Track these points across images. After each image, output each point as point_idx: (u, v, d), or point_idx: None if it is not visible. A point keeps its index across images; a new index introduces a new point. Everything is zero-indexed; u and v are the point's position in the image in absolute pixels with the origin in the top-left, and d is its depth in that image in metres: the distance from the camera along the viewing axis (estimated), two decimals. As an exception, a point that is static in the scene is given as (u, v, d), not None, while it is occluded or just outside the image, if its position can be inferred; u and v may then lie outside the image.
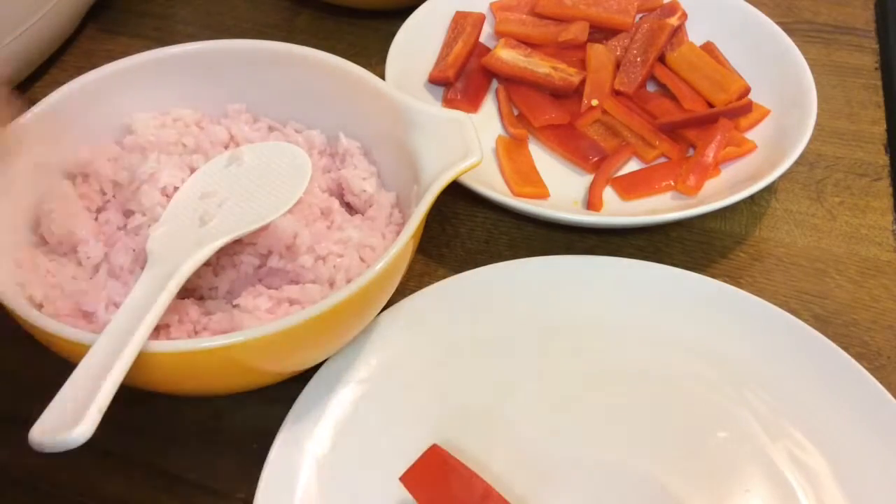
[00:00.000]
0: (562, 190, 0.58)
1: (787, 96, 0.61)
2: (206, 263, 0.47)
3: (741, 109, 0.60)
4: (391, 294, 0.47)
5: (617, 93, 0.63)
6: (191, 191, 0.47)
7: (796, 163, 0.55)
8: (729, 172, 0.58)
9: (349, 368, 0.47)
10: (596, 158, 0.59)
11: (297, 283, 0.45)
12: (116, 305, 0.44)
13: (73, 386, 0.34)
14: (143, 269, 0.46)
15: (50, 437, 0.32)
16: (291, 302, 0.44)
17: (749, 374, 0.48)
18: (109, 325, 0.38)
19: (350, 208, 0.51)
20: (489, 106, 0.65)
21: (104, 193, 0.49)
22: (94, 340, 0.37)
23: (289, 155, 0.48)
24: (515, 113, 0.63)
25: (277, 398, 0.45)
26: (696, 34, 0.67)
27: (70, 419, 0.32)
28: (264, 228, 0.44)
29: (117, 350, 0.36)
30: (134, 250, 0.47)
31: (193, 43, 0.52)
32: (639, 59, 0.64)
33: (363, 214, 0.50)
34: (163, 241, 0.44)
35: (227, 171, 0.48)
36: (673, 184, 0.58)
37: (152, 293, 0.40)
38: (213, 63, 0.52)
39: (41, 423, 0.32)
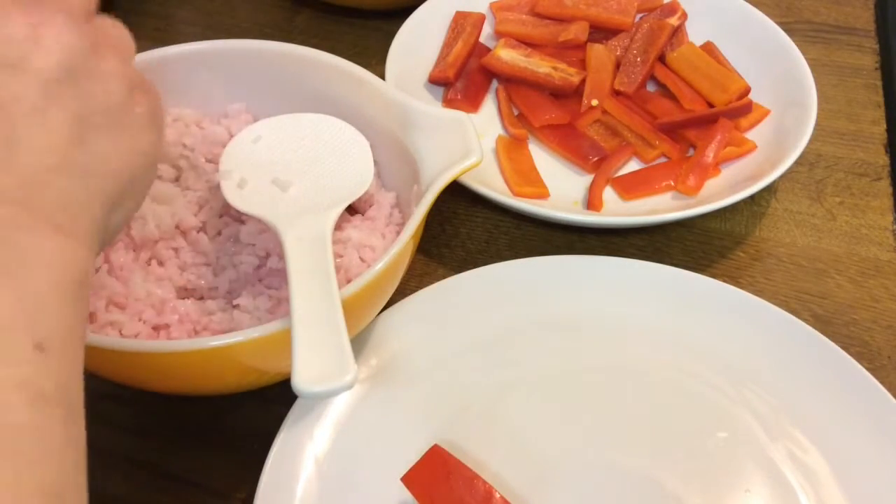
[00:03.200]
0: (562, 190, 0.58)
1: (787, 96, 0.61)
2: (206, 263, 0.47)
3: (741, 109, 0.60)
4: (391, 294, 0.47)
5: (617, 93, 0.63)
6: (246, 159, 0.48)
7: (796, 163, 0.55)
8: (729, 172, 0.58)
9: (349, 368, 0.47)
10: (596, 158, 0.59)
11: (297, 283, 0.45)
12: (117, 305, 0.44)
13: (307, 344, 0.37)
14: (142, 268, 0.46)
15: (324, 385, 0.36)
16: (292, 302, 0.44)
17: (749, 374, 0.48)
18: (295, 288, 0.39)
19: (350, 208, 0.51)
20: (489, 106, 0.65)
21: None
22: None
23: (313, 124, 0.50)
24: (515, 113, 0.63)
25: (277, 398, 0.45)
26: (696, 34, 0.67)
27: (337, 369, 0.36)
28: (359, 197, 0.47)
29: (326, 306, 0.38)
30: (134, 250, 0.47)
31: (193, 43, 0.52)
32: (639, 59, 0.64)
33: (363, 214, 0.50)
34: (274, 207, 0.45)
35: (255, 148, 0.49)
36: (673, 184, 0.58)
37: (315, 253, 0.41)
38: (213, 63, 0.52)
39: (300, 376, 0.36)
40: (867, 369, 0.46)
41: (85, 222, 0.29)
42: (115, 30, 0.33)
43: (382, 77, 0.54)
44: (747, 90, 0.62)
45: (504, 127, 0.63)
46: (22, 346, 0.24)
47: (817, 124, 0.57)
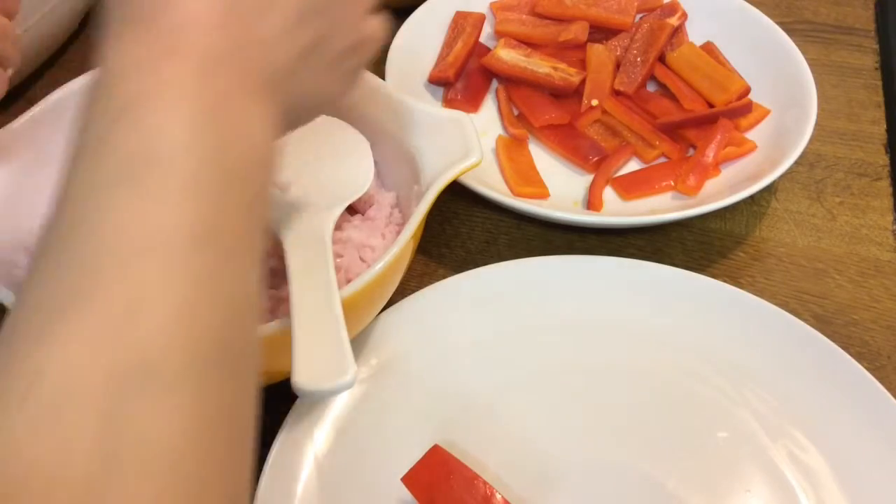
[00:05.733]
0: (562, 190, 0.58)
1: (787, 96, 0.61)
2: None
3: (741, 109, 0.60)
4: (391, 294, 0.47)
5: (617, 93, 0.63)
6: None
7: (796, 163, 0.55)
8: (729, 172, 0.58)
9: (349, 368, 0.47)
10: (596, 158, 0.59)
11: (297, 283, 0.45)
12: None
13: (307, 344, 0.37)
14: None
15: (324, 384, 0.36)
16: (291, 302, 0.44)
17: (749, 374, 0.48)
18: (296, 287, 0.39)
19: (350, 208, 0.51)
20: (489, 106, 0.65)
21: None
22: None
23: (314, 125, 0.50)
24: (515, 113, 0.63)
25: (277, 398, 0.45)
26: (696, 34, 0.67)
27: (337, 368, 0.36)
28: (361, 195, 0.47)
29: (325, 306, 0.38)
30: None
31: (193, 43, 0.52)
32: (639, 59, 0.64)
33: (363, 214, 0.50)
34: (274, 207, 0.44)
35: None
36: (673, 184, 0.58)
37: (315, 253, 0.41)
38: (213, 63, 0.52)
39: (300, 375, 0.36)
40: (867, 369, 0.46)
41: (278, 121, 0.32)
42: None
43: (382, 77, 0.54)
44: (747, 90, 0.62)
45: (504, 127, 0.63)
46: (240, 193, 0.28)
47: (817, 124, 0.57)
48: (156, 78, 0.27)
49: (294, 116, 0.34)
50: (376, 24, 0.36)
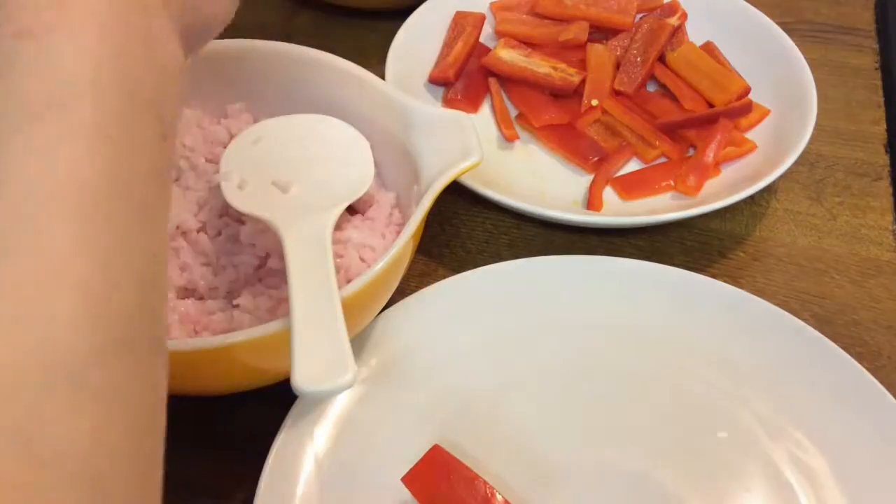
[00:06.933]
0: (562, 190, 0.58)
1: (787, 96, 0.61)
2: (206, 263, 0.47)
3: (741, 109, 0.60)
4: (391, 294, 0.47)
5: (617, 93, 0.63)
6: (246, 160, 0.48)
7: (796, 163, 0.55)
8: (729, 172, 0.58)
9: (349, 368, 0.47)
10: (596, 158, 0.59)
11: (297, 283, 0.45)
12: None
13: (307, 344, 0.37)
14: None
15: (324, 384, 0.36)
16: (291, 302, 0.44)
17: (749, 374, 0.48)
18: (295, 287, 0.39)
19: (350, 208, 0.51)
20: (489, 106, 0.64)
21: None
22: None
23: (313, 124, 0.50)
24: (514, 113, 0.63)
25: (277, 398, 0.45)
26: (696, 34, 0.67)
27: (336, 368, 0.36)
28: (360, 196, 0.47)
29: (325, 306, 0.38)
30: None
31: (193, 43, 0.52)
32: (639, 59, 0.64)
33: (363, 214, 0.50)
34: (274, 207, 0.45)
35: (255, 149, 0.49)
36: (673, 184, 0.58)
37: (315, 253, 0.41)
38: (213, 63, 0.52)
39: (300, 375, 0.36)
40: (867, 369, 0.46)
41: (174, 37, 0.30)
42: None
43: (382, 77, 0.54)
44: (747, 90, 0.62)
45: (497, 125, 0.63)
46: (154, 133, 0.27)
47: (817, 124, 0.57)
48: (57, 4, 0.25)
49: (190, 33, 0.32)
50: None
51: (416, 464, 0.42)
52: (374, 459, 0.44)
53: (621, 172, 0.60)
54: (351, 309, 0.39)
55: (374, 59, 0.63)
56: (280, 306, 0.44)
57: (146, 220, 0.26)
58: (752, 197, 0.55)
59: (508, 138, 0.61)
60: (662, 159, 0.60)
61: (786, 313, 0.49)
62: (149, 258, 0.26)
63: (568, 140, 0.61)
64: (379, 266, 0.41)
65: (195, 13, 0.32)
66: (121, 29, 0.26)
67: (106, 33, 0.26)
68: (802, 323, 0.49)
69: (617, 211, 0.57)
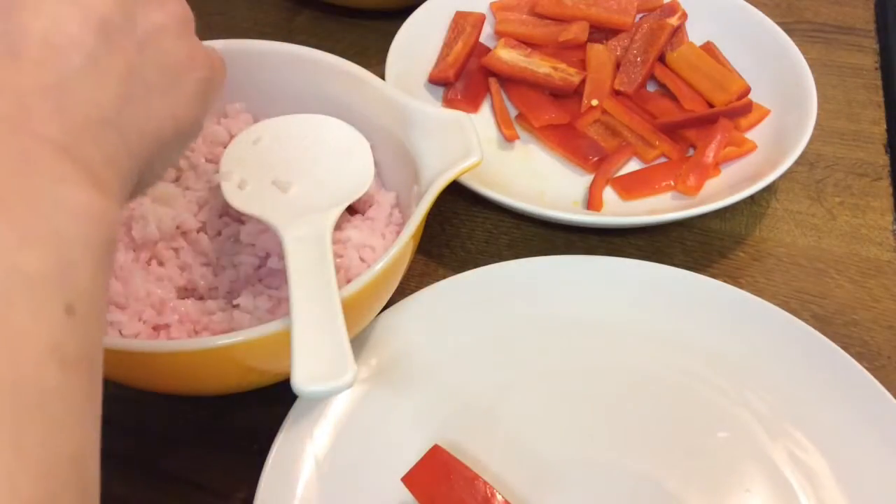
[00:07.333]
0: (562, 190, 0.58)
1: (787, 96, 0.61)
2: (206, 263, 0.47)
3: (741, 109, 0.60)
4: (391, 294, 0.47)
5: (617, 93, 0.63)
6: (246, 160, 0.48)
7: (796, 163, 0.55)
8: (729, 172, 0.58)
9: (349, 368, 0.47)
10: (596, 158, 0.59)
11: (297, 283, 0.45)
12: (117, 305, 0.44)
13: (307, 344, 0.37)
14: (142, 268, 0.46)
15: (324, 385, 0.36)
16: (292, 302, 0.44)
17: (749, 374, 0.48)
18: (295, 287, 0.39)
19: (350, 208, 0.51)
20: (489, 106, 0.64)
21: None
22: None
23: (313, 124, 0.50)
24: (513, 114, 0.63)
25: (277, 398, 0.45)
26: (696, 34, 0.67)
27: (336, 368, 0.36)
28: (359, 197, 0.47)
29: (325, 306, 0.38)
30: (134, 250, 0.47)
31: (193, 43, 0.52)
32: (639, 59, 0.64)
33: (363, 214, 0.50)
34: (274, 207, 0.45)
35: (255, 149, 0.49)
36: (673, 184, 0.58)
37: (315, 253, 0.41)
38: (213, 63, 0.52)
39: (300, 375, 0.35)
40: (867, 369, 0.46)
41: (119, 180, 0.28)
42: (173, 3, 0.32)
43: (382, 77, 0.54)
44: (747, 90, 0.62)
45: (497, 125, 0.63)
46: (54, 307, 0.23)
47: (817, 124, 0.57)
48: None
49: (144, 163, 0.29)
50: (177, 28, 0.32)
51: (416, 464, 0.42)
52: (374, 459, 0.44)
53: (621, 172, 0.60)
54: (351, 309, 0.39)
55: (374, 59, 0.63)
56: (280, 306, 0.44)
57: (51, 419, 0.22)
58: (752, 197, 0.55)
59: (508, 138, 0.61)
60: (662, 159, 0.60)
61: (786, 313, 0.49)
62: (62, 466, 0.22)
63: (568, 140, 0.61)
64: (379, 266, 0.41)
65: (142, 140, 0.29)
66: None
67: None
68: (802, 323, 0.49)
69: (617, 211, 0.57)
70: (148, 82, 0.29)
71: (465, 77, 0.64)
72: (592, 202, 0.57)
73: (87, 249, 0.25)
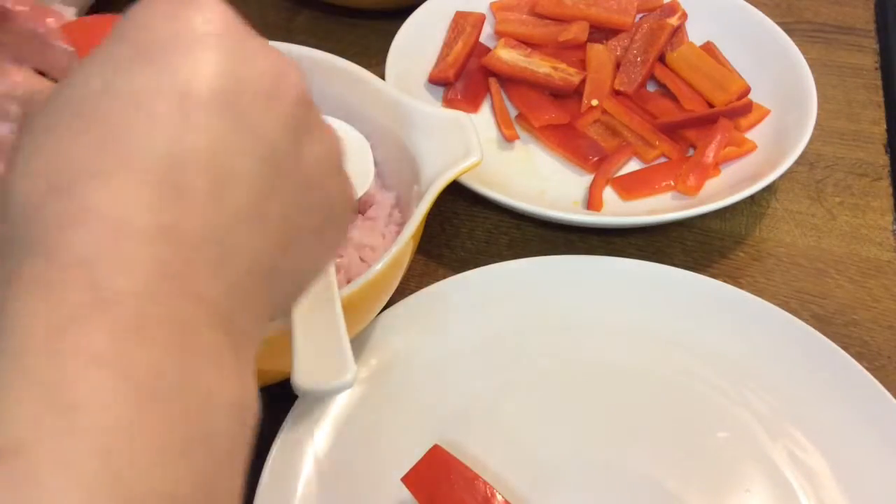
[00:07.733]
0: (562, 190, 0.58)
1: (787, 96, 0.61)
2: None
3: (741, 109, 0.60)
4: (391, 294, 0.47)
5: (617, 93, 0.63)
6: None
7: (796, 163, 0.55)
8: (729, 172, 0.58)
9: (349, 368, 0.47)
10: (596, 158, 0.59)
11: (297, 283, 0.45)
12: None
13: (307, 343, 0.37)
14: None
15: (324, 384, 0.36)
16: (292, 302, 0.44)
17: (749, 374, 0.48)
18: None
19: (350, 208, 0.51)
20: (489, 106, 0.64)
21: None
22: None
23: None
24: (513, 114, 0.63)
25: (277, 398, 0.45)
26: (696, 34, 0.67)
27: (336, 368, 0.36)
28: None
29: (325, 306, 0.38)
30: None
31: (193, 43, 0.52)
32: (639, 59, 0.64)
33: (363, 214, 0.50)
34: None
35: None
36: (673, 184, 0.58)
37: None
38: (213, 63, 0.52)
39: (300, 375, 0.35)
40: (867, 369, 0.46)
41: (258, 344, 0.24)
42: (330, 132, 0.28)
43: (382, 77, 0.54)
44: (747, 90, 0.62)
45: (497, 125, 0.63)
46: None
47: (817, 124, 0.57)
48: (59, 361, 0.18)
49: (275, 312, 0.26)
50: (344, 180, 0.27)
51: (416, 464, 0.42)
52: (374, 459, 0.44)
53: (621, 172, 0.60)
54: (351, 309, 0.39)
55: (375, 59, 0.63)
56: (280, 306, 0.44)
57: None
58: (752, 197, 0.55)
59: (508, 138, 0.61)
60: (662, 159, 0.60)
61: (786, 313, 0.49)
62: None
63: (568, 140, 0.61)
64: (379, 266, 0.41)
65: (284, 295, 0.26)
66: (144, 373, 0.19)
67: (123, 388, 0.19)
68: (802, 323, 0.49)
69: (617, 211, 0.57)
70: (308, 225, 0.25)
71: (465, 77, 0.64)
72: (592, 202, 0.57)
73: (231, 458, 0.22)
